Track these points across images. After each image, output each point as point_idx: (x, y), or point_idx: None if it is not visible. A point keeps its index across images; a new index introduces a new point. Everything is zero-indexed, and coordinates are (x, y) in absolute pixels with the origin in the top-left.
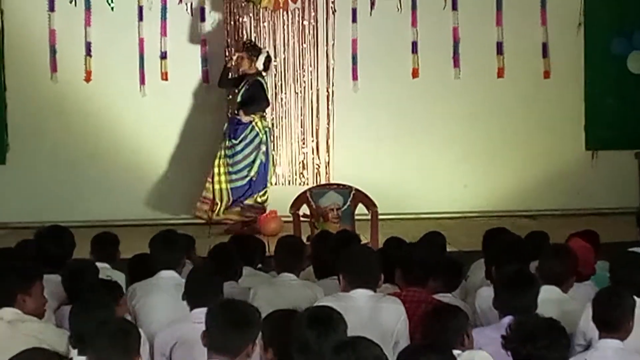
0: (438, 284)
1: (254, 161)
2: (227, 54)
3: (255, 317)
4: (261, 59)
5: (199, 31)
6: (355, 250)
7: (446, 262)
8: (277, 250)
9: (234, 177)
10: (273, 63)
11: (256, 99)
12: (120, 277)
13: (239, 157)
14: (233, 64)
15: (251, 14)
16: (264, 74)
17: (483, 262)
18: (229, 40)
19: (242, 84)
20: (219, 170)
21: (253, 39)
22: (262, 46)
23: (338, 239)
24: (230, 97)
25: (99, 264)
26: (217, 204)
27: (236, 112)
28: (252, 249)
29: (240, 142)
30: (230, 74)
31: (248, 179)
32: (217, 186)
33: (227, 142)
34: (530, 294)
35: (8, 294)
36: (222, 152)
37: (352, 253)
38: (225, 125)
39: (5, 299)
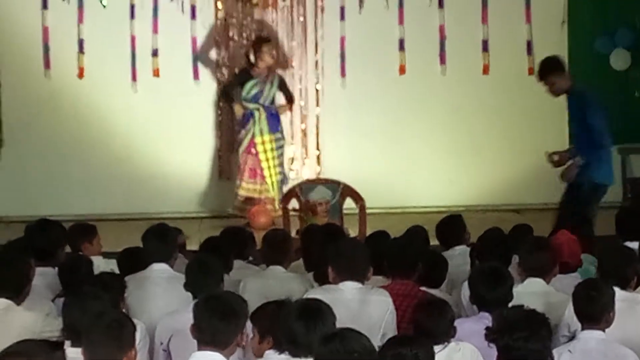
0: (424, 278)
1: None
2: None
3: (242, 307)
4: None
5: (190, 28)
6: (344, 243)
7: (431, 256)
8: (264, 243)
9: (279, 169)
10: None
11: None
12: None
13: (283, 150)
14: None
15: (241, 11)
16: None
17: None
18: (219, 38)
19: (264, 78)
20: (271, 163)
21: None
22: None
23: (325, 233)
24: (254, 91)
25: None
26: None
27: (272, 105)
28: (242, 242)
29: (283, 136)
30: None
31: (282, 174)
32: (272, 180)
33: (269, 135)
34: (504, 289)
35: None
36: (268, 146)
37: (340, 246)
38: (256, 119)
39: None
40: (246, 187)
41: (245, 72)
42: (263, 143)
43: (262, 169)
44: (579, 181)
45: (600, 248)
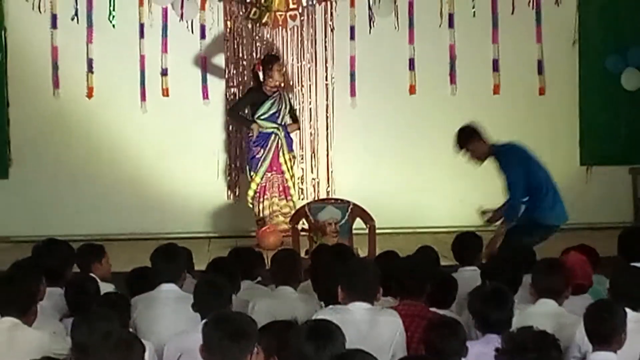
0: (433, 299)
1: None
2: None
3: (252, 328)
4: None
5: (200, 48)
6: (354, 263)
7: (441, 277)
8: (273, 263)
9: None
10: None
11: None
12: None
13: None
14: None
15: (251, 32)
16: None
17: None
18: (229, 57)
19: (279, 97)
20: (295, 181)
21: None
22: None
23: (334, 253)
24: (272, 111)
25: None
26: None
27: (286, 124)
28: (251, 263)
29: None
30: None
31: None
32: (295, 197)
33: (289, 154)
34: (508, 309)
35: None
36: (289, 165)
37: (350, 266)
38: (276, 137)
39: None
40: (277, 203)
41: (257, 91)
42: (286, 162)
43: (288, 187)
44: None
45: (612, 269)
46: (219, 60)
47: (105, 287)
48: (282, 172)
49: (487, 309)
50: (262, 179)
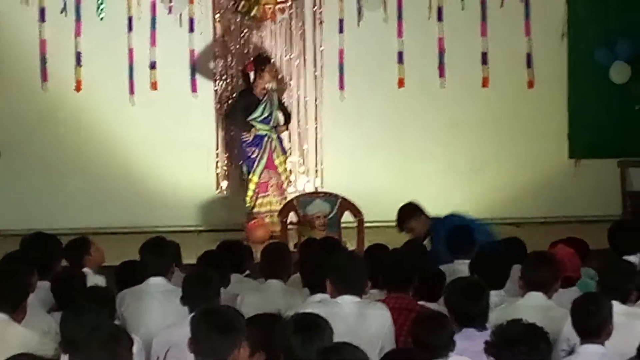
0: (422, 293)
1: None
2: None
3: (240, 321)
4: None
5: (188, 41)
6: (342, 256)
7: (429, 270)
8: (262, 257)
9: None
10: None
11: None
12: (100, 282)
13: None
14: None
15: (240, 24)
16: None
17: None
18: (217, 51)
19: (270, 99)
20: (287, 182)
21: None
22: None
23: (322, 246)
24: (265, 114)
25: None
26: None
27: (278, 126)
28: (240, 256)
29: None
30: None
31: None
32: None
33: (283, 156)
34: (485, 302)
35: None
36: (284, 167)
37: (338, 259)
38: (269, 139)
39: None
40: (273, 202)
41: (249, 94)
42: (280, 163)
43: (283, 186)
44: None
45: (601, 262)
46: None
47: (97, 280)
48: (278, 173)
49: (461, 303)
50: (259, 177)
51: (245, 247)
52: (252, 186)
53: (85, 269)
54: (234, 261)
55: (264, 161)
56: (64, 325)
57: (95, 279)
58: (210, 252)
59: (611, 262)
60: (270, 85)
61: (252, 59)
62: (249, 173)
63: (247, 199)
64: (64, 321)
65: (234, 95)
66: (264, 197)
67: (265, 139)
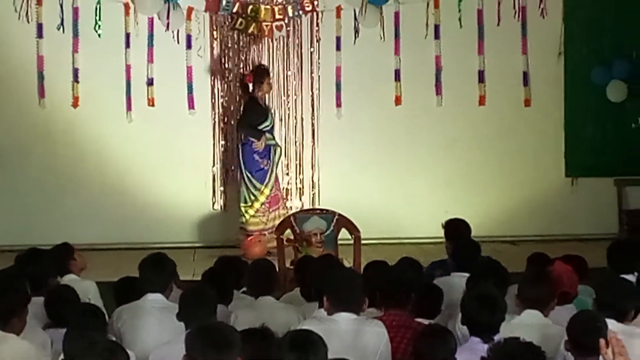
0: (419, 309)
1: None
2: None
3: (235, 337)
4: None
5: (185, 58)
6: (339, 273)
7: (427, 287)
8: (249, 275)
9: None
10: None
11: None
12: (91, 287)
13: None
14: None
15: (237, 41)
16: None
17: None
18: (214, 67)
19: (270, 111)
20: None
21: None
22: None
23: (320, 263)
24: (270, 125)
25: (67, 277)
26: None
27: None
28: (238, 272)
29: None
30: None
31: None
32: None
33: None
34: (500, 315)
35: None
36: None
37: (336, 276)
38: (277, 149)
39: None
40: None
41: (256, 104)
42: (271, 172)
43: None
44: None
45: (598, 280)
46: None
47: (87, 285)
48: (280, 187)
49: (476, 311)
50: (271, 190)
51: (244, 263)
52: (262, 198)
53: (72, 276)
54: (233, 278)
55: (274, 174)
56: (69, 343)
57: (85, 285)
58: (214, 270)
59: (609, 280)
60: (267, 94)
61: (251, 70)
62: (258, 185)
63: (251, 211)
64: (68, 340)
65: (232, 109)
66: (275, 210)
67: (272, 149)
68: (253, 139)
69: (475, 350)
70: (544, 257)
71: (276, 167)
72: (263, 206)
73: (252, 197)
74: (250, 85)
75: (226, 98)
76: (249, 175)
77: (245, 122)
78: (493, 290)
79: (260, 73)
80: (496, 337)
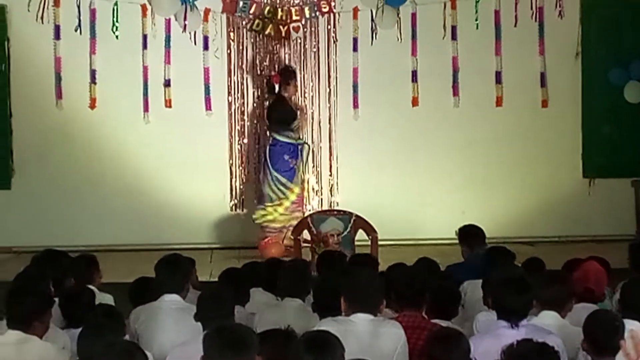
0: (436, 311)
1: None
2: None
3: (252, 338)
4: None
5: (203, 59)
6: (358, 274)
7: (442, 288)
8: (284, 275)
9: None
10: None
11: None
12: (109, 300)
13: None
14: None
15: (254, 43)
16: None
17: (479, 284)
18: (231, 68)
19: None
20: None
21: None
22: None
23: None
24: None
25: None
26: None
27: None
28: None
29: None
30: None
31: None
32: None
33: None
34: (528, 296)
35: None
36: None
37: (354, 277)
38: (308, 148)
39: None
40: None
41: (285, 101)
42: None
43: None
44: None
45: (624, 282)
46: None
47: (105, 297)
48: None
49: (503, 294)
50: (300, 190)
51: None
52: (292, 197)
53: (92, 287)
54: (250, 278)
55: (300, 173)
56: (82, 343)
57: (103, 297)
58: (233, 270)
59: (633, 280)
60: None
61: (278, 71)
62: (288, 184)
63: (280, 209)
64: (82, 339)
65: (249, 110)
66: (300, 210)
67: (299, 147)
68: (286, 132)
69: (499, 336)
70: (538, 262)
71: (305, 166)
72: (293, 205)
73: (282, 196)
74: (277, 86)
75: (243, 100)
76: (277, 175)
77: (276, 118)
78: (519, 271)
79: (287, 75)
80: (522, 323)
